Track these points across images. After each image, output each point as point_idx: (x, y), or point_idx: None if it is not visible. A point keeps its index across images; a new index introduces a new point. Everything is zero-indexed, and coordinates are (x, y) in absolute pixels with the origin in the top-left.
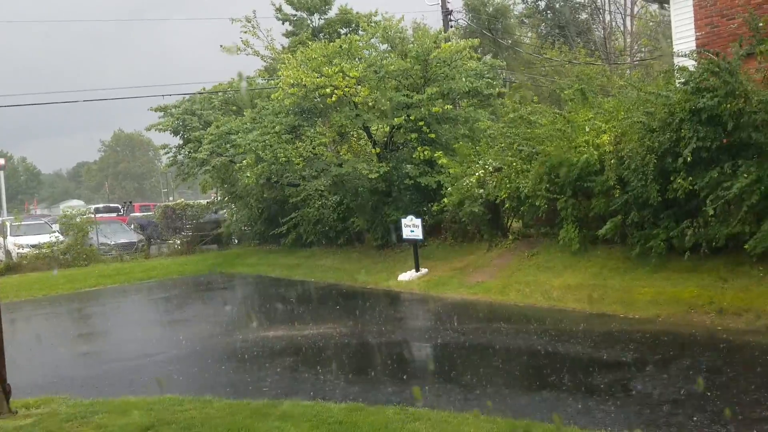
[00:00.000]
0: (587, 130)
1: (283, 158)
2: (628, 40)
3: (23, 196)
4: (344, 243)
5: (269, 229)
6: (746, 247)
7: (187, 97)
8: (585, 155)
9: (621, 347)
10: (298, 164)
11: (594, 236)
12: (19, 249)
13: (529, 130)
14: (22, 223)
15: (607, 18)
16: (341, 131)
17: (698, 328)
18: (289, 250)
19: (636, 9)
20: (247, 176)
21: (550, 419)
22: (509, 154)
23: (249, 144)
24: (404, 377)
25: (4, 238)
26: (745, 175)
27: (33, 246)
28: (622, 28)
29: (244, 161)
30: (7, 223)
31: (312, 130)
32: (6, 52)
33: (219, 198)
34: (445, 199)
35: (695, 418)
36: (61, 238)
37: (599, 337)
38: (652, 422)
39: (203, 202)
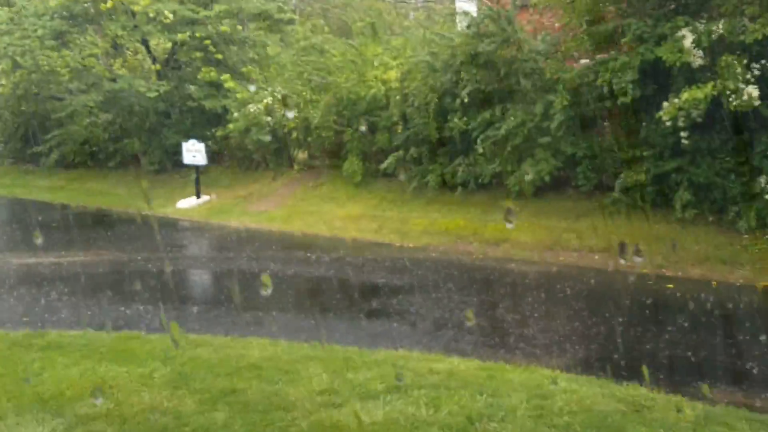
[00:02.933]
0: (376, 65)
1: (46, 67)
2: None
3: None
4: (117, 166)
5: (28, 147)
6: (507, 184)
7: None
8: (373, 90)
9: (395, 273)
10: (63, 76)
11: (376, 170)
12: None
13: (321, 60)
14: None
15: None
16: (116, 42)
17: (463, 256)
18: (50, 171)
19: None
20: (2, 84)
21: (328, 340)
22: (299, 83)
23: (5, 48)
24: (181, 304)
25: None
26: (512, 118)
27: None
28: None
29: None
30: None
31: (82, 39)
32: None
33: None
34: (231, 125)
35: (460, 333)
36: None
37: (375, 264)
38: (421, 339)
39: None
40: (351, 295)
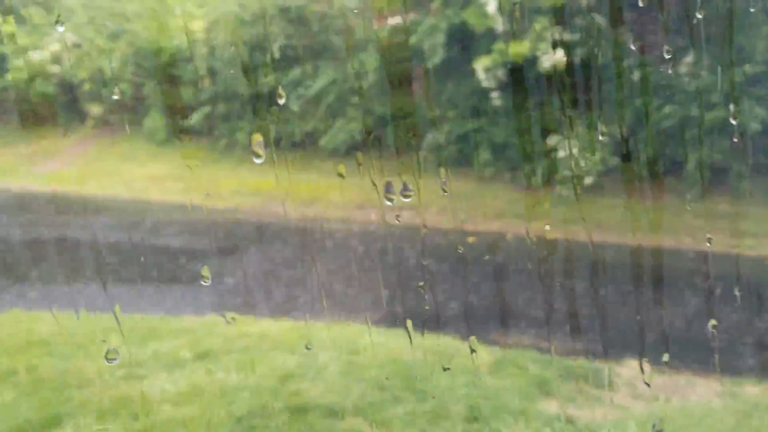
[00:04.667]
0: (179, 13)
1: None
2: None
3: None
4: None
5: None
6: (321, 143)
7: None
8: (176, 41)
9: (202, 236)
10: None
11: (182, 127)
12: None
13: (115, 6)
14: None
15: None
16: None
17: (274, 217)
18: None
19: None
20: None
21: (130, 309)
22: (92, 29)
23: None
24: None
25: None
26: (324, 76)
27: None
28: None
29: None
30: None
31: None
32: None
33: None
34: (10, 75)
35: (271, 295)
36: None
37: (180, 227)
38: (231, 304)
39: None
40: (154, 261)
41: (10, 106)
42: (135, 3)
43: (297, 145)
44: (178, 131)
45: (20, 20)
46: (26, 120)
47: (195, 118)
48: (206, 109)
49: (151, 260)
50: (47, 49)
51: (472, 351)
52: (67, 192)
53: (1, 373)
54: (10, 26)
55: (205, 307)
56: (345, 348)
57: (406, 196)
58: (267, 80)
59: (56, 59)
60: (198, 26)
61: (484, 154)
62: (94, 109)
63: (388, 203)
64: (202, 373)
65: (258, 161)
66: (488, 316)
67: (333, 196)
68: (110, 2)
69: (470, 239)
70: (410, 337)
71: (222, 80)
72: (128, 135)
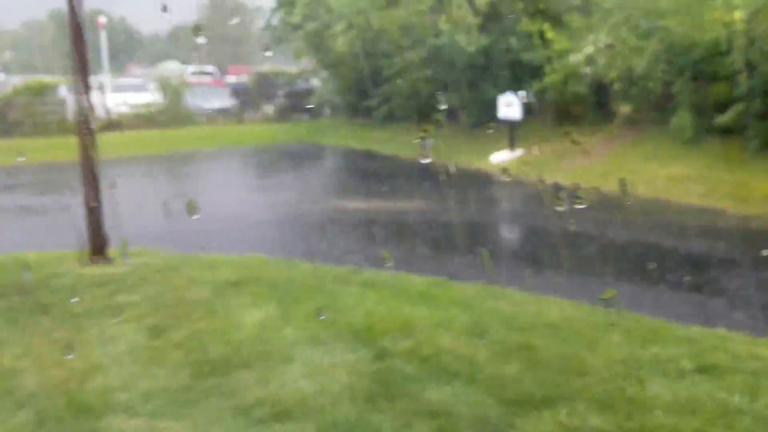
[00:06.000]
0: (718, 5)
1: (377, 26)
2: None
3: (123, 55)
4: (438, 120)
5: (361, 101)
6: None
7: None
8: (712, 34)
9: (724, 243)
10: (392, 33)
11: (710, 125)
12: (117, 107)
13: (650, 3)
14: (121, 82)
15: None
16: None
17: None
18: (380, 124)
19: None
20: (340, 44)
21: (634, 308)
22: (625, 29)
23: (342, 8)
24: (489, 256)
25: (104, 96)
26: None
27: (131, 105)
28: None
29: (336, 27)
30: (107, 82)
31: None
32: None
33: (313, 66)
34: (547, 78)
35: None
36: (157, 98)
37: (701, 231)
38: (747, 322)
39: (295, 69)
40: (667, 264)
41: (547, 106)
42: (670, 0)
43: None
44: (706, 130)
45: (561, 25)
46: (559, 118)
47: (727, 116)
48: (740, 106)
49: (665, 262)
50: (582, 51)
51: None
52: (589, 187)
53: (509, 348)
54: (549, 33)
55: (717, 319)
56: None
57: None
58: None
59: (590, 61)
60: (737, 17)
61: None
62: (623, 108)
63: None
64: (703, 387)
65: None
66: None
67: None
68: (646, 1)
69: None
70: None
71: (760, 74)
72: (654, 133)
